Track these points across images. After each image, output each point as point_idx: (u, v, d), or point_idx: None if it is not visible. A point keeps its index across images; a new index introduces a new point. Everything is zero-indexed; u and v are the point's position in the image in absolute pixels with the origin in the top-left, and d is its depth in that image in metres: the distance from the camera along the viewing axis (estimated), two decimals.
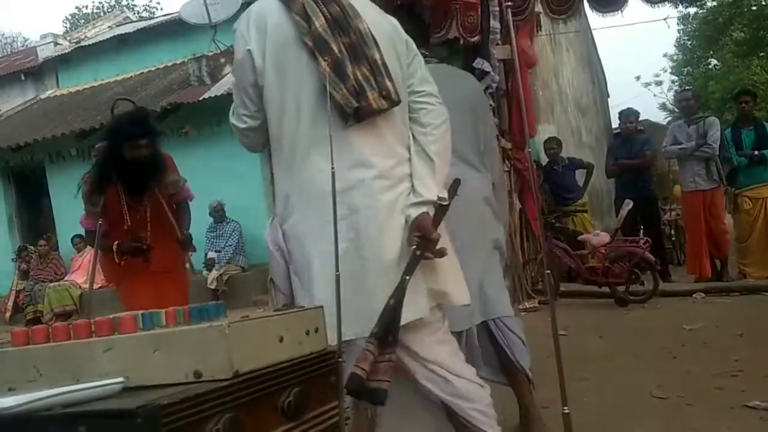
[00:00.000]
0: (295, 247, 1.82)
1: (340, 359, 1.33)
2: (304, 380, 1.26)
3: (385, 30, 1.86)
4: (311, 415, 1.27)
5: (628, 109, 7.39)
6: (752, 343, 4.00)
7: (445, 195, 1.82)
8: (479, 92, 2.97)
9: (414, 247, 1.73)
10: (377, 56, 1.77)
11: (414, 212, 1.77)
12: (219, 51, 10.50)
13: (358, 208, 1.76)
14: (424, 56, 2.02)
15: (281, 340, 1.23)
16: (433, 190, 1.81)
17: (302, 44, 1.75)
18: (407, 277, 1.67)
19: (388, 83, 1.76)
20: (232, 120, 1.93)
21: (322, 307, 1.38)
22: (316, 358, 1.30)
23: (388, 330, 1.60)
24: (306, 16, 1.75)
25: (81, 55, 13.22)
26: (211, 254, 8.99)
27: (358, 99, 1.72)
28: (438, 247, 1.73)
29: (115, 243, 3.61)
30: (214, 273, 8.82)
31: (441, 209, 1.80)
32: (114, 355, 1.17)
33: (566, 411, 2.05)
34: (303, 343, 1.28)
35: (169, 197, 3.80)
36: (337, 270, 1.49)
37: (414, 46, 1.94)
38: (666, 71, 26.74)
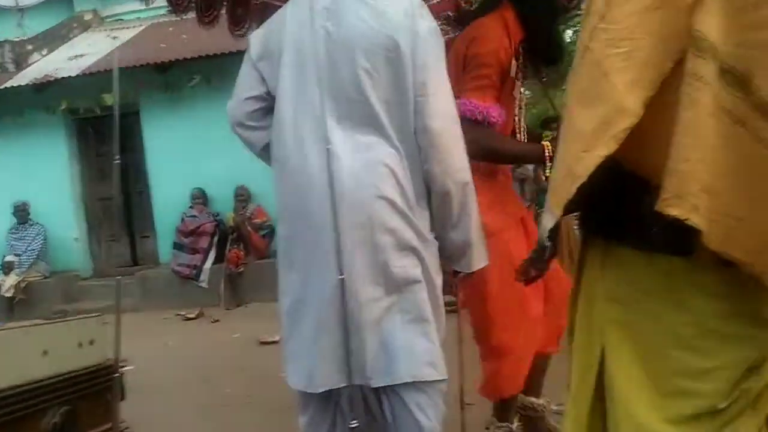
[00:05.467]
0: None
1: (117, 374, 1.19)
2: (73, 398, 1.11)
3: None
4: None
5: None
6: None
7: None
8: (410, 24, 1.76)
9: None
10: None
11: None
12: (26, 37, 9.64)
13: None
14: None
15: (45, 353, 1.07)
16: None
17: None
18: None
19: None
20: None
21: (100, 314, 1.24)
22: (89, 373, 1.16)
23: None
24: None
25: None
26: (10, 257, 8.19)
27: None
28: None
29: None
30: (13, 278, 8.03)
31: None
32: None
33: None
34: (73, 356, 1.13)
35: None
36: None
37: None
38: None
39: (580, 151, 1.05)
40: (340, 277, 1.72)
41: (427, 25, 1.79)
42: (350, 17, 1.76)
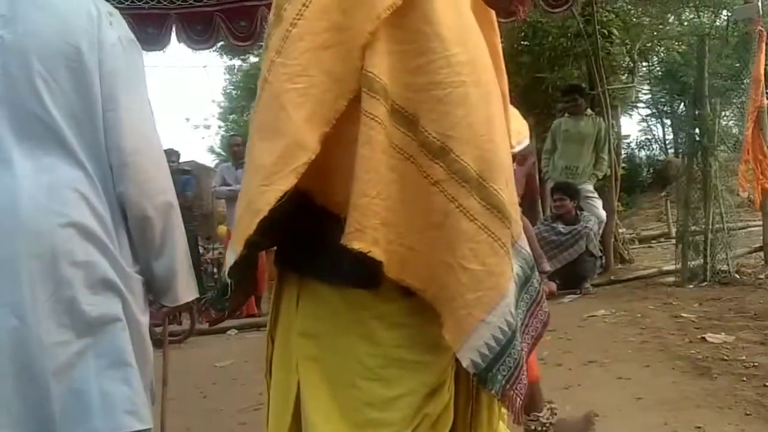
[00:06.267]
0: None
1: None
2: None
3: None
4: None
5: (168, 149, 7.48)
6: None
7: None
8: (95, 32, 1.61)
9: None
10: None
11: None
12: None
13: None
14: None
15: None
16: None
17: None
18: None
19: None
20: None
21: None
22: None
23: None
24: None
25: None
26: None
27: None
28: None
29: None
30: None
31: None
32: None
33: None
34: None
35: None
36: None
37: None
38: (214, 116, 28.04)
39: (261, 185, 1.04)
40: (15, 318, 1.50)
41: (118, 33, 1.65)
42: (28, 24, 1.59)
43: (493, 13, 1.29)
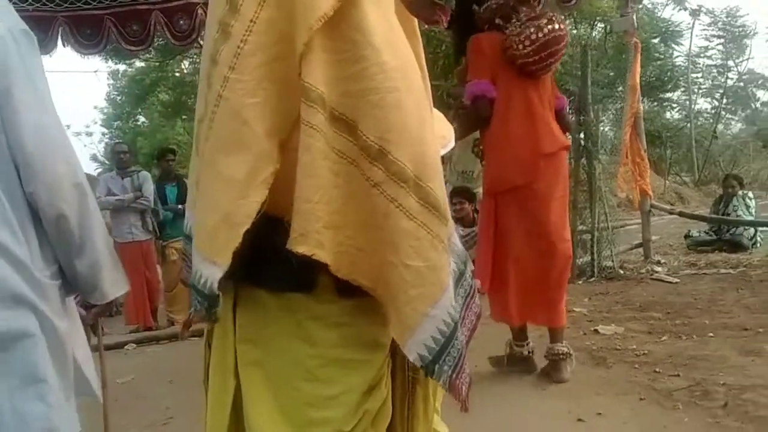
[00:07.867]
0: None
1: None
2: None
3: None
4: None
5: None
6: (182, 387, 4.16)
7: None
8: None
9: None
10: None
11: None
12: None
13: None
14: None
15: None
16: None
17: None
18: None
19: None
20: None
21: None
22: None
23: None
24: None
25: None
26: None
27: None
28: None
29: None
30: None
31: None
32: None
33: None
34: None
35: None
36: None
37: None
38: (97, 123, 26.72)
39: (237, 199, 1.07)
40: None
41: (7, 25, 1.54)
42: None
43: (415, 21, 1.34)
